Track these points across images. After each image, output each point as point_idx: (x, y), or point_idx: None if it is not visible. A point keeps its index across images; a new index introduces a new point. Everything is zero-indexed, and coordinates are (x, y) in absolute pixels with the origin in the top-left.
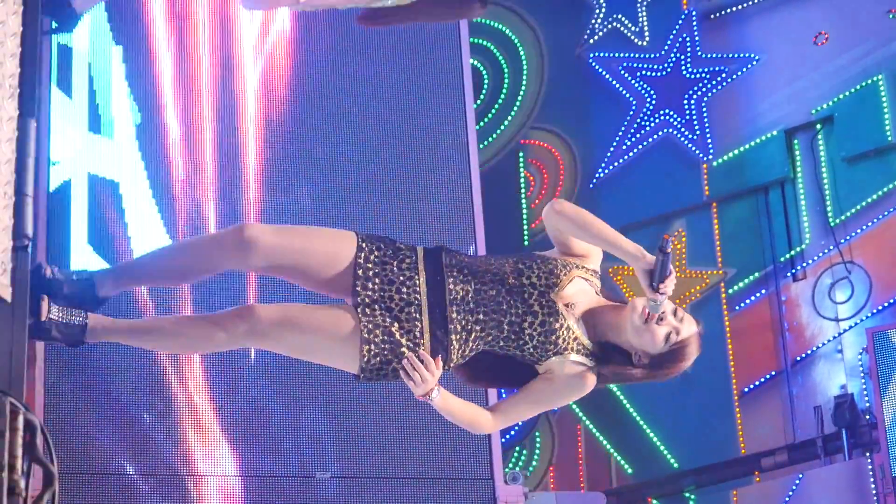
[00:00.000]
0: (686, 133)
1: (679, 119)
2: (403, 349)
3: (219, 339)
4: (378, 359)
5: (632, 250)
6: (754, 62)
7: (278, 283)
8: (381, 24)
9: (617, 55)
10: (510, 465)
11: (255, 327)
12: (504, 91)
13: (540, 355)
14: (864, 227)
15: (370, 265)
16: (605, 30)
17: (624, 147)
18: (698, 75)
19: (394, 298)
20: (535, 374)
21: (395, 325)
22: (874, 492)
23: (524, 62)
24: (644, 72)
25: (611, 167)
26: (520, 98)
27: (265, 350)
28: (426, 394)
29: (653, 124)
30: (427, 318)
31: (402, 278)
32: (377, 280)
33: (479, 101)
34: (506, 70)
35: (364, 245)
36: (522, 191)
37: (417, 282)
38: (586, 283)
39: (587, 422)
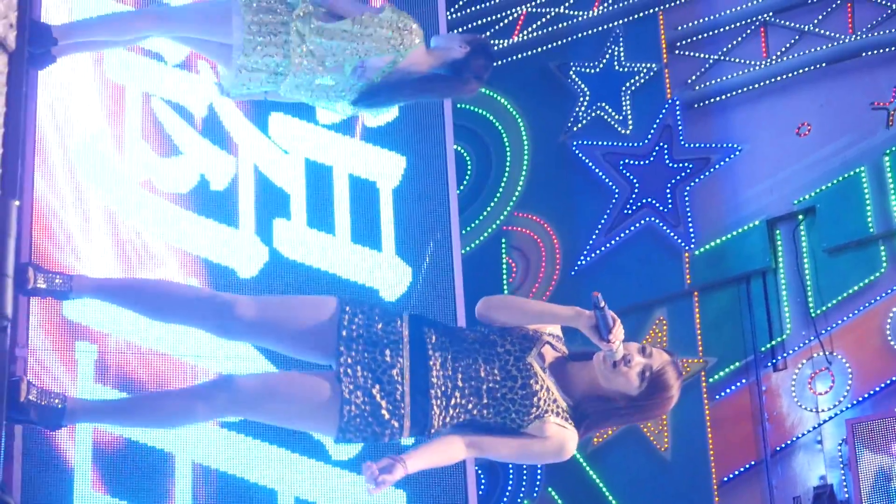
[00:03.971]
0: (668, 222)
1: (661, 207)
2: (384, 412)
3: (199, 410)
4: (358, 420)
5: (569, 314)
6: (737, 152)
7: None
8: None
9: (600, 143)
10: None
11: (236, 397)
12: (487, 177)
13: (522, 420)
14: (845, 319)
15: (354, 326)
16: (588, 117)
17: (606, 235)
18: (681, 164)
19: (377, 360)
20: None
21: (377, 386)
22: None
23: (508, 148)
24: (627, 160)
25: (593, 255)
26: (503, 184)
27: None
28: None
29: (635, 213)
30: (409, 382)
31: (385, 341)
32: (361, 341)
33: (462, 187)
34: (489, 156)
35: (347, 308)
36: (504, 277)
37: (401, 346)
38: (553, 349)
39: None
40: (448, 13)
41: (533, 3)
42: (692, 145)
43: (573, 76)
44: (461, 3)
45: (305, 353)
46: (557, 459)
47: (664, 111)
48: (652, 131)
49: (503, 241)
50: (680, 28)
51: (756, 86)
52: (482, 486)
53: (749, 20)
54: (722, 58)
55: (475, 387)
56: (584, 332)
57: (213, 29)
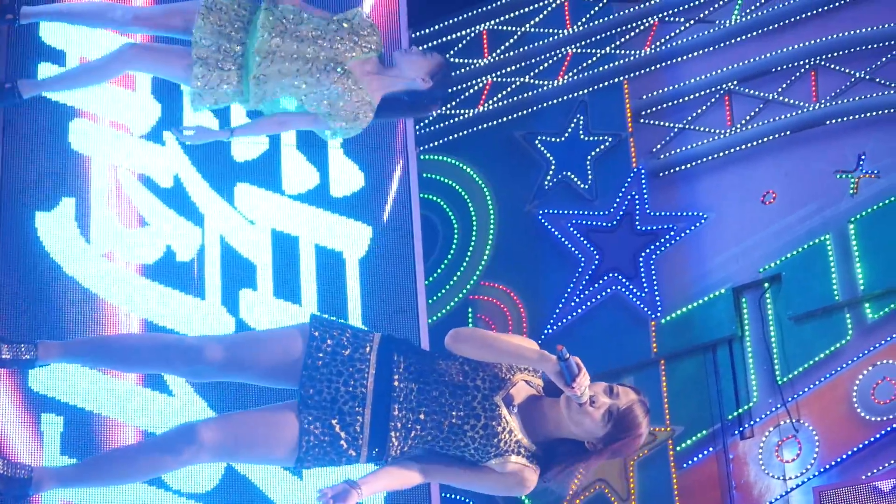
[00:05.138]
0: (634, 290)
1: (628, 276)
2: (342, 443)
3: (166, 464)
4: (316, 449)
5: (535, 358)
6: (702, 220)
7: None
8: None
9: (566, 212)
10: None
11: (199, 449)
12: (453, 246)
13: (481, 456)
14: (812, 386)
15: (321, 354)
16: (554, 186)
17: (572, 303)
18: (647, 233)
19: (339, 390)
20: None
21: (336, 418)
22: None
23: (474, 217)
24: (593, 229)
25: (559, 323)
26: (469, 253)
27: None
28: None
29: (601, 281)
30: (369, 413)
31: (351, 370)
32: (325, 370)
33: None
34: (455, 225)
35: (316, 333)
36: None
37: (366, 375)
38: (528, 385)
39: None
40: None
41: (498, 73)
42: (657, 214)
43: (539, 145)
44: None
45: (276, 384)
46: (516, 493)
47: (629, 180)
48: (617, 200)
49: (470, 310)
50: (645, 97)
51: (721, 154)
52: None
53: (713, 89)
54: (687, 126)
55: (437, 420)
56: (550, 377)
57: (174, 72)
